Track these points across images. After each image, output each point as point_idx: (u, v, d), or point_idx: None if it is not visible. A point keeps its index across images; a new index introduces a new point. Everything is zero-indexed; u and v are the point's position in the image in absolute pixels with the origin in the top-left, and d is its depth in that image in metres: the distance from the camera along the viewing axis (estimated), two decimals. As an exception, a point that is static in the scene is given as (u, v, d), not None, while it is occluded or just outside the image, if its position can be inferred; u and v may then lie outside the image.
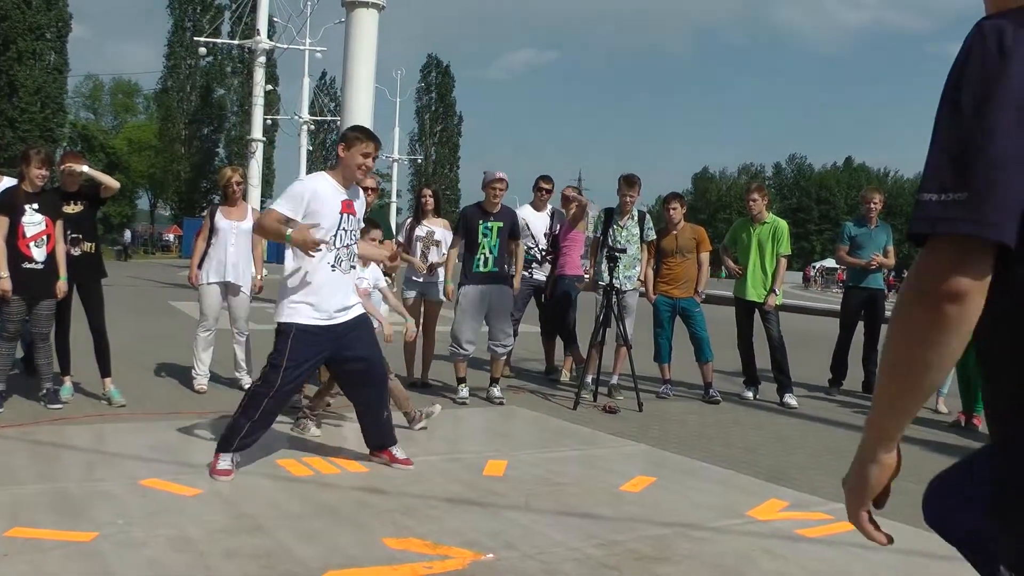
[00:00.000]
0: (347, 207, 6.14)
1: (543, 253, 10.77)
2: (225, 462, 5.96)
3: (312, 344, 6.05)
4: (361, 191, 6.53)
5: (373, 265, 7.68)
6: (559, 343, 11.27)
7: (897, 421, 1.88)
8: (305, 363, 6.11)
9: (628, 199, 10.00)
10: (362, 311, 6.39)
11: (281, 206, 6.02)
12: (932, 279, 1.68)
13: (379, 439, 6.49)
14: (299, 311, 6.02)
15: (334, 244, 6.06)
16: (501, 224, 9.25)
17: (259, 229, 6.33)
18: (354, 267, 6.37)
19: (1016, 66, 1.66)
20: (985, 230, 1.63)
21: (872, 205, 10.97)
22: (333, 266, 6.09)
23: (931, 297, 1.68)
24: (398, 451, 6.47)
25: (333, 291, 6.11)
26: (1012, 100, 1.65)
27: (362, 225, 6.57)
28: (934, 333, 1.70)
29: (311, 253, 5.87)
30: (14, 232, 7.57)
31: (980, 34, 1.73)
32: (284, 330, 6.04)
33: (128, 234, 64.81)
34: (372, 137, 6.25)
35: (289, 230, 5.91)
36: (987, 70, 1.69)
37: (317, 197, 6.02)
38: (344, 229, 6.12)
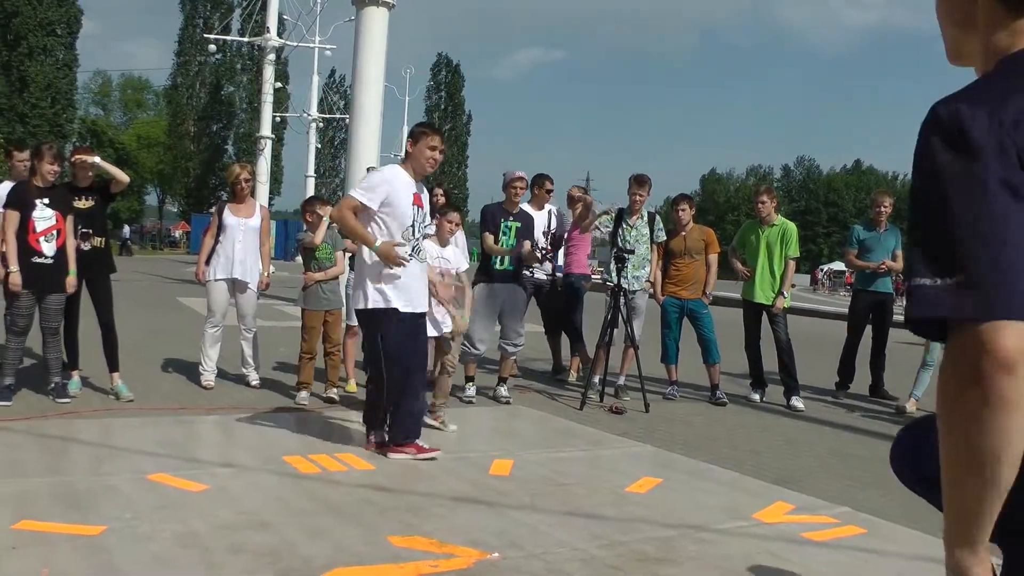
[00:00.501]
0: (417, 200, 6.41)
1: (542, 252, 10.77)
2: (423, 443, 6.50)
3: (399, 327, 6.29)
4: (425, 188, 6.79)
5: (452, 247, 7.83)
6: (564, 342, 11.30)
7: (978, 526, 1.72)
8: (403, 344, 6.34)
9: (638, 198, 9.99)
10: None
11: (359, 194, 6.27)
12: (971, 358, 1.59)
13: (395, 431, 6.55)
14: (389, 296, 6.28)
15: (413, 234, 6.33)
16: (520, 224, 9.30)
17: (340, 219, 6.42)
18: (426, 257, 6.55)
19: (981, 152, 1.63)
20: (994, 312, 1.57)
21: (882, 208, 10.94)
22: (411, 255, 6.32)
23: (978, 375, 1.58)
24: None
25: (415, 279, 6.38)
26: (984, 182, 1.62)
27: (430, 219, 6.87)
28: (990, 413, 1.58)
29: (392, 266, 6.18)
30: (24, 227, 7.61)
31: (936, 123, 1.72)
32: (378, 314, 6.31)
33: (127, 229, 64.65)
34: (438, 131, 6.59)
35: (379, 241, 6.19)
36: (951, 163, 1.66)
37: (394, 188, 6.29)
38: (416, 221, 6.37)
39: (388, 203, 6.25)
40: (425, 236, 6.73)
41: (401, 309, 6.30)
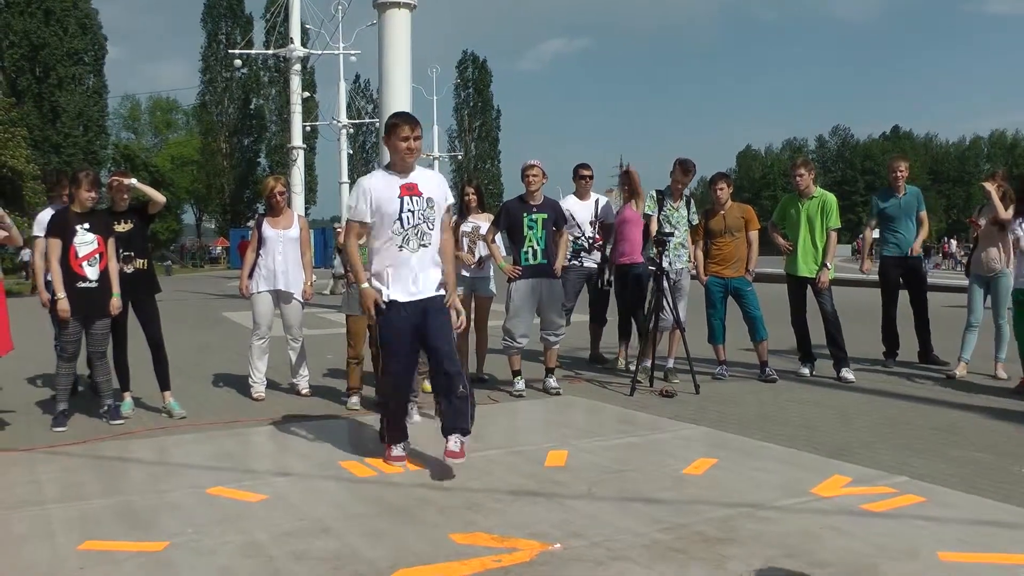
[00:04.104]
0: (408, 190, 6.29)
1: (590, 241, 10.76)
2: (396, 450, 6.40)
3: (396, 317, 6.25)
4: (431, 173, 6.69)
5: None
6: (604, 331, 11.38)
7: None
8: (400, 337, 6.27)
9: (680, 186, 9.95)
10: (440, 295, 6.43)
11: (354, 214, 6.33)
12: None
13: (447, 421, 6.31)
14: (386, 290, 6.27)
15: (401, 226, 6.23)
16: (545, 215, 9.20)
17: (345, 249, 6.62)
18: (425, 246, 6.33)
19: None
20: None
21: (898, 173, 10.83)
22: (401, 247, 6.25)
23: None
24: (453, 441, 6.18)
25: (407, 271, 6.27)
26: None
27: (448, 201, 6.61)
28: None
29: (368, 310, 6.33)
30: (66, 253, 7.69)
31: None
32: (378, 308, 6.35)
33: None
34: (407, 119, 6.41)
35: (365, 283, 6.32)
36: None
37: (374, 191, 6.27)
38: (410, 211, 6.27)
39: (376, 206, 6.26)
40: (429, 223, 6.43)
41: (399, 300, 6.25)
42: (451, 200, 6.66)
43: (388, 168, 6.43)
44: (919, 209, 10.84)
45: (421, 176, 6.43)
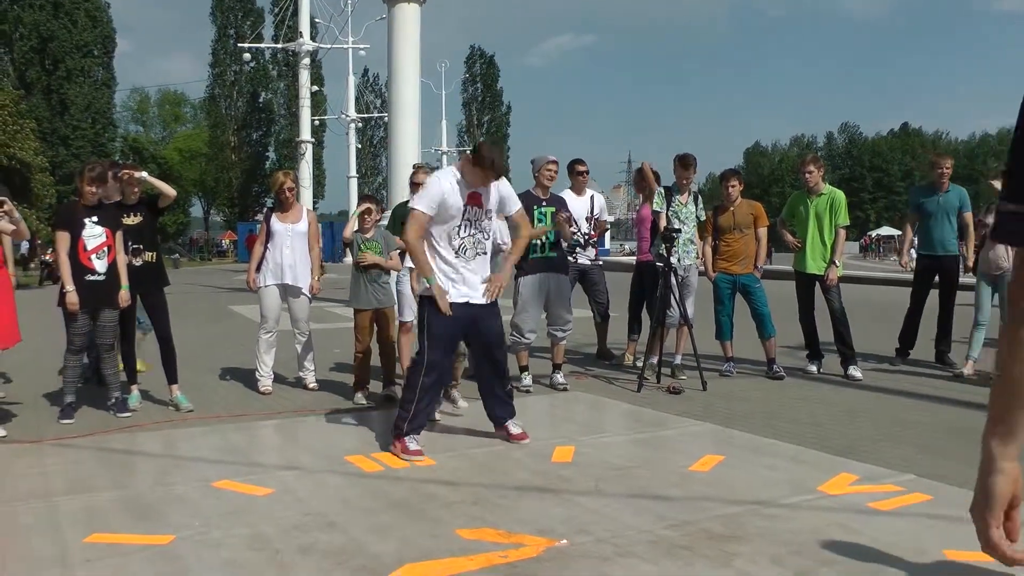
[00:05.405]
0: (472, 199, 6.57)
1: (586, 237, 10.75)
2: (413, 444, 6.47)
3: (445, 319, 6.47)
4: (499, 183, 6.80)
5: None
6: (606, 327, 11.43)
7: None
8: (444, 337, 6.57)
9: (684, 181, 9.93)
10: (494, 302, 6.75)
11: (421, 204, 6.52)
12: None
13: (496, 413, 6.94)
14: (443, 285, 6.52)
15: (458, 234, 6.53)
16: (554, 209, 9.22)
17: (408, 240, 6.60)
18: (480, 254, 6.65)
19: None
20: None
21: (943, 170, 10.70)
22: (457, 254, 6.54)
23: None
24: (514, 426, 6.94)
25: (460, 278, 6.55)
26: None
27: (513, 208, 6.90)
28: None
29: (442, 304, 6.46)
30: (75, 246, 7.71)
31: None
32: (421, 306, 6.62)
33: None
34: (493, 164, 6.49)
35: (434, 277, 6.48)
36: None
37: (447, 195, 6.49)
38: (468, 220, 6.55)
39: (442, 207, 6.48)
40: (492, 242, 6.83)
41: (451, 299, 6.48)
42: (513, 208, 6.92)
43: (461, 173, 6.63)
44: (962, 210, 10.70)
45: (489, 188, 6.69)
